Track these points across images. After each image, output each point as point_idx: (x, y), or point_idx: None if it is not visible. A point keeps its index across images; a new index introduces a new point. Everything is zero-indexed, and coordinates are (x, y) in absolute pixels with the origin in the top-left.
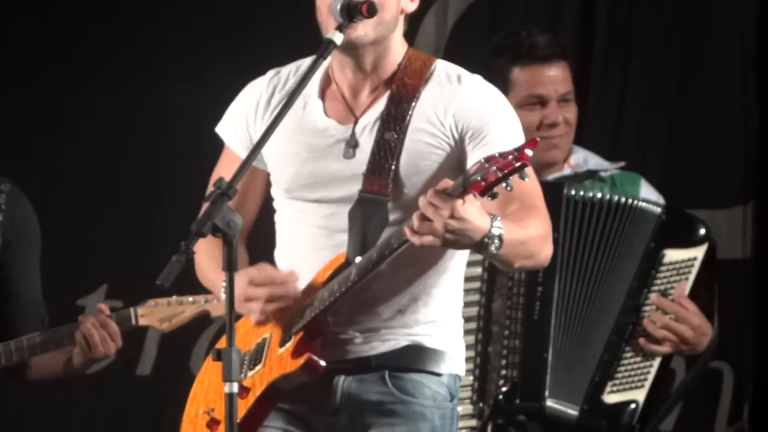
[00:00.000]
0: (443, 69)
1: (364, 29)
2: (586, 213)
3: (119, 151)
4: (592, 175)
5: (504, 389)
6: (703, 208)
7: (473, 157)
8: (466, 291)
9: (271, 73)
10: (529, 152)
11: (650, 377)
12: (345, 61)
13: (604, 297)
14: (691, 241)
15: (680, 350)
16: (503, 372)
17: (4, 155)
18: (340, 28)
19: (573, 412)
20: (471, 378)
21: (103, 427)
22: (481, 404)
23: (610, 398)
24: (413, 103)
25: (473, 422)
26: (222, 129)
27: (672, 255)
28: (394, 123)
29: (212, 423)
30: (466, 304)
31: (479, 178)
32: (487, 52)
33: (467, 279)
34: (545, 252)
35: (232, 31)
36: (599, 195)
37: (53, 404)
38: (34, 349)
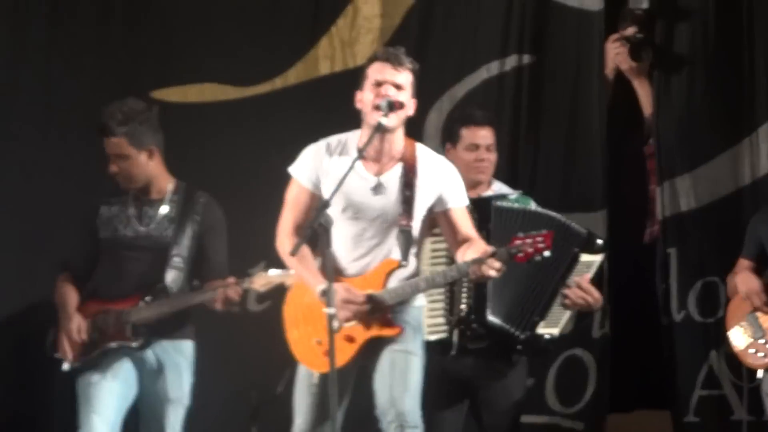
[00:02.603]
0: (424, 151)
1: (394, 120)
2: (510, 217)
3: (268, 176)
4: (504, 197)
5: (464, 310)
6: (576, 212)
7: (438, 207)
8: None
9: (323, 141)
10: (549, 241)
11: (563, 321)
12: (375, 138)
13: (543, 274)
14: (594, 251)
15: (584, 309)
16: (463, 300)
17: (207, 177)
18: (385, 116)
19: (520, 335)
20: (443, 304)
21: (230, 343)
22: (450, 317)
23: (541, 330)
24: (416, 174)
25: (446, 327)
26: (294, 169)
27: (584, 257)
28: (409, 187)
29: (318, 343)
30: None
31: (521, 254)
32: (451, 122)
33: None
34: None
35: (305, 127)
36: (532, 206)
37: (210, 330)
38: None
